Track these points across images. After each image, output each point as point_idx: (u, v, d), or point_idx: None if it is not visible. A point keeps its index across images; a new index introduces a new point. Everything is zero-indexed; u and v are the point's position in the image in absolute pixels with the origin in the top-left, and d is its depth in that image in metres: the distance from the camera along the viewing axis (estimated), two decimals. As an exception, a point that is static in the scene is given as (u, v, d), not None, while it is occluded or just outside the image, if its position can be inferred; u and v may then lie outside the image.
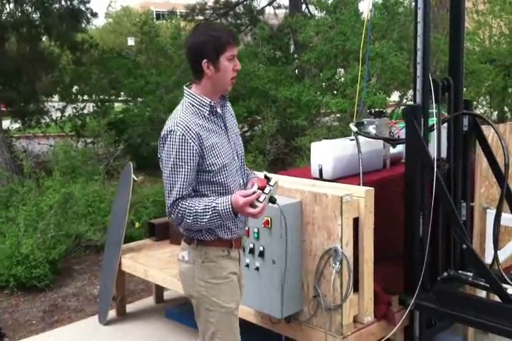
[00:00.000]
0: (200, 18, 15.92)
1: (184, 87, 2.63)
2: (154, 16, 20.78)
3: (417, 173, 3.31)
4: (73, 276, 5.58)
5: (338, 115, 9.16)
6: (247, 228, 2.83)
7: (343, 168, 3.68)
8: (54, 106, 11.19)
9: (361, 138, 3.76)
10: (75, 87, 11.24)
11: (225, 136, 2.63)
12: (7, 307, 4.94)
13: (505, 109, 9.60)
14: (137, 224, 6.03)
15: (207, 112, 2.56)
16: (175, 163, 2.47)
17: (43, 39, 11.80)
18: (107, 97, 11.11)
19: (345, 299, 3.13)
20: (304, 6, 15.02)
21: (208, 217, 2.46)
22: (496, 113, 9.94)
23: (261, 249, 3.20)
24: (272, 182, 2.48)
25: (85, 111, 11.04)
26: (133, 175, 4.68)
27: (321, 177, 3.69)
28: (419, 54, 3.28)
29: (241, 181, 2.68)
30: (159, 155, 2.56)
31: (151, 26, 11.00)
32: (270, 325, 3.42)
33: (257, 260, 3.24)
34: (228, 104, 2.75)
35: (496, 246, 3.22)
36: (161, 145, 2.53)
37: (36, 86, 10.89)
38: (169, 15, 16.29)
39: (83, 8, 11.62)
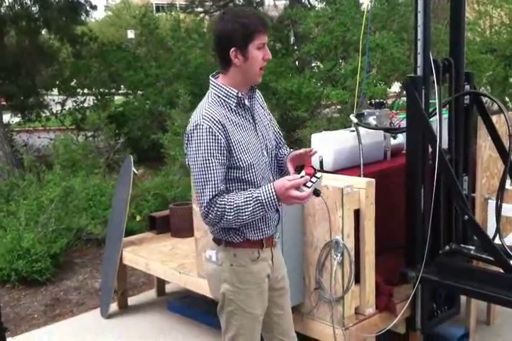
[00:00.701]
0: (200, 10, 15.87)
1: (210, 77, 2.49)
2: (154, 9, 20.74)
3: (418, 146, 3.26)
4: (74, 270, 5.58)
5: (338, 106, 9.14)
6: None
7: (344, 159, 3.67)
8: (54, 100, 11.18)
9: (362, 130, 3.74)
10: (75, 81, 11.22)
11: (253, 130, 2.48)
12: (9, 301, 4.95)
13: (506, 99, 9.56)
14: (138, 218, 6.02)
15: (234, 104, 2.41)
16: (205, 158, 2.31)
17: (43, 32, 11.78)
18: (106, 90, 11.09)
19: (347, 291, 3.13)
20: (303, -3, 14.95)
21: (251, 208, 2.30)
22: (495, 105, 9.90)
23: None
24: (318, 175, 2.36)
25: (85, 105, 11.03)
26: (133, 169, 4.67)
27: (321, 169, 3.67)
28: (420, 44, 3.25)
29: (271, 177, 2.54)
30: (185, 152, 2.41)
31: (150, 19, 10.99)
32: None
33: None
34: (258, 94, 2.59)
35: (499, 220, 3.17)
36: (187, 141, 2.37)
37: (36, 79, 10.88)
38: (169, 7, 16.26)
39: (82, 1, 11.59)
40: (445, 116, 3.50)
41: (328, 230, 3.13)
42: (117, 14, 30.93)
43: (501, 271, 3.03)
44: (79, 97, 11.10)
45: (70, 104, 11.10)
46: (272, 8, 16.29)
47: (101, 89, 10.98)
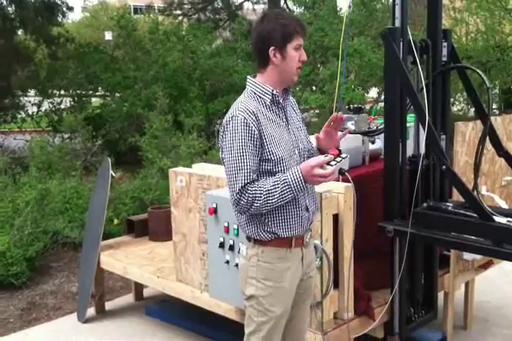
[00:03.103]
0: (178, 12, 15.85)
1: (248, 77, 2.60)
2: (132, 10, 20.61)
3: (396, 97, 3.25)
4: (51, 274, 5.52)
5: (317, 111, 9.19)
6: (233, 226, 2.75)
7: (323, 164, 3.68)
8: (30, 101, 11.06)
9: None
10: (51, 82, 11.11)
11: (286, 128, 2.56)
12: (-17, 305, 4.88)
13: (483, 105, 9.71)
14: (116, 221, 5.98)
15: (268, 100, 2.51)
16: (239, 147, 2.41)
17: (19, 33, 11.65)
18: (84, 92, 11.00)
19: (326, 296, 3.14)
20: (282, 2, 15.05)
21: (279, 191, 2.38)
22: (473, 109, 10.04)
23: (241, 245, 3.18)
24: (343, 155, 2.44)
25: (62, 106, 10.93)
26: (111, 171, 4.64)
27: (343, 174, 3.67)
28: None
29: None
30: (220, 143, 2.50)
31: (128, 20, 10.93)
32: (250, 322, 3.41)
33: (237, 257, 3.22)
34: (292, 98, 2.70)
35: (477, 174, 3.16)
36: (223, 132, 2.47)
37: (11, 80, 10.75)
38: (147, 9, 16.16)
39: (59, 2, 11.50)
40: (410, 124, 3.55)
41: (308, 235, 3.14)
42: (94, 15, 30.75)
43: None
44: (55, 99, 10.99)
45: (46, 105, 10.98)
46: (251, 12, 16.34)
47: (78, 91, 10.89)
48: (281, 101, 2.57)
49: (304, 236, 2.62)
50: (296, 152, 2.57)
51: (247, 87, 2.57)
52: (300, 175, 2.38)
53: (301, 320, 2.79)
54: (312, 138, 2.72)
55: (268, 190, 2.39)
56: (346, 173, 2.49)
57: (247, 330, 2.65)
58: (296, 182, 2.39)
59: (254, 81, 2.55)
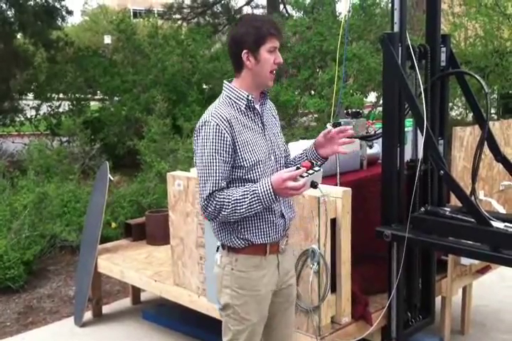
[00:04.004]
0: (178, 16, 15.87)
1: (224, 81, 2.56)
2: (131, 14, 20.63)
3: (394, 102, 3.24)
4: (48, 277, 5.50)
5: (315, 115, 9.20)
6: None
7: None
8: (29, 105, 11.05)
9: (339, 139, 3.76)
10: (50, 86, 11.11)
11: (261, 133, 2.52)
12: (-20, 309, 4.87)
13: (481, 110, 9.72)
14: (113, 225, 5.97)
15: (243, 106, 2.48)
16: (210, 154, 2.38)
17: (18, 36, 11.66)
18: (82, 96, 11.00)
19: (323, 300, 3.13)
20: (281, 6, 15.07)
21: (248, 201, 2.34)
22: (471, 114, 10.05)
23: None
24: (316, 168, 2.39)
25: (61, 110, 10.92)
26: (109, 175, 4.64)
27: (315, 187, 3.68)
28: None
29: None
30: (194, 148, 2.48)
31: (127, 24, 10.94)
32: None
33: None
34: (270, 103, 2.66)
35: (474, 179, 3.15)
36: (196, 137, 2.45)
37: (10, 84, 10.75)
38: (146, 13, 16.18)
39: (58, 6, 11.51)
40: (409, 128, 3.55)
41: (305, 239, 3.14)
42: (94, 19, 30.76)
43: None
44: (54, 102, 10.99)
45: (44, 108, 10.98)
46: (250, 16, 16.35)
47: (77, 95, 10.89)
48: (257, 106, 2.54)
49: (279, 243, 2.59)
50: (272, 158, 2.55)
51: (222, 91, 2.53)
52: (270, 187, 2.34)
53: (285, 328, 2.75)
54: (305, 143, 2.68)
55: (236, 199, 2.36)
56: (319, 187, 2.41)
57: (224, 339, 2.62)
58: (265, 195, 2.35)
59: (229, 85, 2.52)
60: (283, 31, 2.62)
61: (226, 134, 2.39)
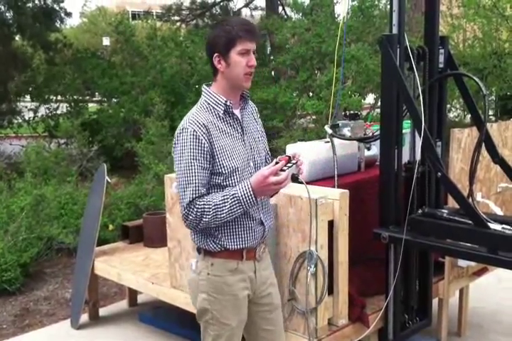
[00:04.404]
0: (176, 18, 15.87)
1: (203, 86, 2.54)
2: (130, 16, 20.63)
3: (393, 103, 3.24)
4: (45, 280, 5.49)
5: (313, 117, 9.19)
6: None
7: (318, 170, 3.68)
8: (26, 107, 11.04)
9: (336, 141, 3.76)
10: (48, 87, 11.10)
11: (240, 139, 2.50)
12: (-23, 311, 4.85)
13: (479, 111, 9.72)
14: (111, 227, 5.96)
15: (221, 112, 2.46)
16: (188, 161, 2.37)
17: (16, 38, 11.65)
18: (80, 98, 10.99)
19: (320, 302, 3.12)
20: (280, 8, 15.06)
21: (228, 205, 2.33)
22: (469, 116, 10.06)
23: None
24: (293, 161, 2.40)
25: (58, 112, 10.91)
26: (107, 177, 4.62)
27: (295, 180, 3.67)
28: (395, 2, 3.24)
29: None
30: (173, 155, 2.46)
31: (126, 26, 10.93)
32: (244, 329, 3.39)
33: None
34: (252, 107, 2.65)
35: (472, 181, 3.16)
36: (174, 144, 2.43)
37: (8, 86, 10.74)
38: (145, 15, 16.19)
39: (57, 8, 11.51)
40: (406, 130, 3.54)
41: (302, 241, 3.13)
42: (93, 21, 30.78)
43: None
44: (52, 104, 10.98)
45: (42, 110, 10.97)
46: (249, 18, 16.36)
47: (75, 97, 10.88)
48: (237, 111, 2.52)
49: (256, 249, 2.57)
50: (251, 164, 2.52)
51: (201, 96, 2.52)
52: (250, 189, 2.34)
53: (272, 334, 2.72)
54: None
55: (217, 204, 2.35)
56: (300, 178, 2.43)
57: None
58: (245, 197, 2.35)
59: (208, 90, 2.50)
60: (259, 33, 2.58)
61: (204, 140, 2.37)
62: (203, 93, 2.52)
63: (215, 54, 2.42)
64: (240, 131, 2.52)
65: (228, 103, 2.46)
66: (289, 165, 2.36)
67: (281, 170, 2.34)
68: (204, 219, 2.36)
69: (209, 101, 2.48)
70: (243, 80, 2.45)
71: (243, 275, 2.54)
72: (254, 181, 2.34)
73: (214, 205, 2.34)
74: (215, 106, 2.46)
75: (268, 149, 2.73)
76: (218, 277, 2.50)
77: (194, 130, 2.37)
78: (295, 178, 2.41)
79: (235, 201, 2.34)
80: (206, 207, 2.35)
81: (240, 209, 2.36)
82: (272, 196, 2.68)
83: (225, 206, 2.34)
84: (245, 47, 2.40)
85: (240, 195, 2.34)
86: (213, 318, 2.52)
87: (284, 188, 3.20)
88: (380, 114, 3.36)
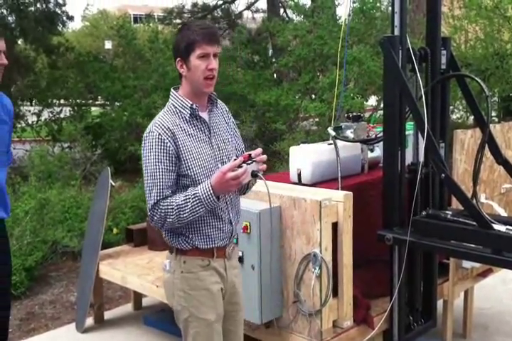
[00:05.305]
0: (178, 21, 15.88)
1: (171, 89, 2.60)
2: (132, 19, 20.67)
3: (395, 101, 3.24)
4: (50, 283, 5.50)
5: (316, 119, 9.20)
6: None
7: (322, 172, 3.68)
8: (30, 111, 11.06)
9: (339, 143, 3.76)
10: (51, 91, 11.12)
11: (208, 141, 2.55)
12: (-18, 315, 4.85)
13: (482, 113, 9.72)
14: (115, 230, 5.97)
15: (188, 115, 2.51)
16: (153, 163, 2.43)
17: (19, 42, 11.68)
18: (83, 101, 11.01)
19: (325, 304, 3.13)
20: (282, 10, 15.06)
21: (190, 205, 2.39)
22: (472, 117, 10.05)
23: (240, 254, 3.18)
24: (254, 158, 2.46)
25: (62, 116, 10.93)
26: (111, 180, 4.64)
27: (299, 182, 3.68)
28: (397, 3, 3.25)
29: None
30: (142, 158, 2.53)
31: (128, 29, 10.96)
32: (249, 331, 3.40)
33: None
34: (222, 108, 2.69)
35: (476, 182, 3.15)
36: (142, 147, 2.50)
37: (11, 90, 10.76)
38: (147, 18, 16.20)
39: (59, 12, 11.53)
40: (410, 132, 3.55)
41: (307, 243, 3.14)
42: (94, 24, 30.82)
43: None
44: (55, 108, 10.99)
45: (46, 114, 10.98)
46: (251, 20, 16.39)
47: (78, 100, 10.90)
48: (204, 114, 2.57)
49: (225, 248, 2.62)
50: (220, 165, 2.53)
51: (169, 99, 2.57)
52: (210, 189, 2.38)
53: (235, 335, 2.76)
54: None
55: (179, 205, 2.40)
56: (259, 174, 2.48)
57: None
58: (206, 197, 2.39)
59: (175, 94, 2.56)
60: (220, 39, 2.62)
61: (169, 143, 2.43)
62: (170, 96, 2.58)
63: (178, 58, 2.49)
64: (207, 133, 2.56)
65: (194, 106, 2.52)
66: (249, 162, 2.43)
67: (240, 166, 2.39)
68: (168, 220, 2.42)
69: (176, 105, 2.54)
70: (203, 85, 2.50)
71: (214, 271, 2.60)
72: (214, 179, 2.39)
73: (176, 205, 2.40)
74: (182, 110, 2.52)
75: (243, 148, 2.76)
76: (191, 273, 2.55)
77: (159, 133, 2.43)
78: (254, 175, 2.47)
79: (196, 200, 2.39)
80: (169, 207, 2.40)
81: (201, 208, 2.41)
82: (242, 193, 2.73)
83: (187, 206, 2.39)
84: (204, 51, 2.44)
85: (200, 194, 2.39)
86: (191, 315, 2.56)
87: (288, 191, 3.24)
88: (383, 116, 3.37)
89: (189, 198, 2.40)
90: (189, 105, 2.51)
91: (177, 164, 2.45)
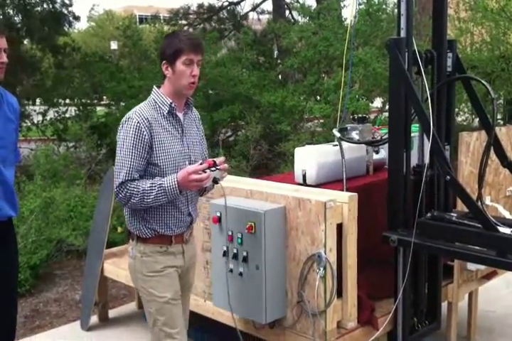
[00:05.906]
0: (184, 22, 15.92)
1: (154, 86, 2.85)
2: (137, 20, 20.72)
3: (400, 103, 3.26)
4: (55, 281, 5.52)
5: (321, 120, 9.20)
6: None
7: (327, 173, 3.69)
8: (35, 110, 11.10)
9: (344, 144, 3.77)
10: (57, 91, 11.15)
11: (180, 139, 2.81)
12: (-13, 313, 4.87)
13: (488, 116, 9.71)
14: (120, 229, 5.99)
15: (166, 111, 2.77)
16: (128, 147, 2.67)
17: (25, 42, 11.72)
18: (89, 101, 11.05)
19: (329, 305, 3.13)
20: (287, 12, 15.10)
21: (154, 193, 2.64)
22: (477, 119, 10.03)
23: (244, 254, 3.19)
24: (217, 167, 2.73)
25: (67, 115, 10.96)
26: (116, 180, 4.65)
27: (304, 183, 3.69)
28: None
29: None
30: (117, 140, 2.76)
31: (134, 30, 11.00)
32: (254, 331, 3.41)
33: (240, 265, 3.23)
34: (196, 115, 2.97)
35: (481, 185, 3.15)
36: (119, 130, 2.74)
37: (17, 89, 10.80)
38: (152, 19, 16.25)
39: (65, 12, 11.58)
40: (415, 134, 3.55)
41: (311, 244, 3.15)
42: (100, 25, 30.92)
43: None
44: (61, 108, 11.03)
45: (51, 114, 11.02)
46: (256, 21, 16.41)
47: (83, 100, 10.94)
48: (180, 114, 2.83)
49: (183, 234, 2.89)
50: (187, 163, 2.81)
51: (151, 94, 2.83)
52: (175, 182, 2.65)
53: (184, 311, 3.04)
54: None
55: (145, 190, 2.65)
56: (220, 182, 2.77)
57: (150, 322, 2.87)
58: (170, 189, 2.66)
59: (157, 91, 2.82)
60: (203, 48, 2.90)
61: (145, 132, 2.68)
62: (152, 92, 2.83)
63: (164, 61, 2.76)
64: (180, 131, 2.83)
65: (173, 105, 2.78)
66: (213, 169, 2.72)
67: (204, 171, 2.67)
68: (132, 200, 2.67)
69: (156, 100, 2.79)
70: (187, 88, 2.78)
71: (172, 256, 2.85)
72: (180, 175, 2.66)
73: (142, 190, 2.65)
74: (161, 106, 2.78)
75: (207, 155, 3.04)
76: (150, 257, 2.81)
77: (138, 121, 2.68)
78: (215, 181, 2.75)
79: (160, 190, 2.65)
80: (135, 190, 2.65)
81: (164, 197, 2.67)
82: (201, 195, 3.04)
83: (152, 193, 2.65)
84: (189, 58, 2.72)
85: (166, 185, 2.65)
86: (151, 295, 2.81)
87: (292, 192, 3.25)
88: (389, 118, 3.37)
89: (154, 187, 2.65)
90: (169, 103, 2.77)
91: (149, 152, 2.70)
